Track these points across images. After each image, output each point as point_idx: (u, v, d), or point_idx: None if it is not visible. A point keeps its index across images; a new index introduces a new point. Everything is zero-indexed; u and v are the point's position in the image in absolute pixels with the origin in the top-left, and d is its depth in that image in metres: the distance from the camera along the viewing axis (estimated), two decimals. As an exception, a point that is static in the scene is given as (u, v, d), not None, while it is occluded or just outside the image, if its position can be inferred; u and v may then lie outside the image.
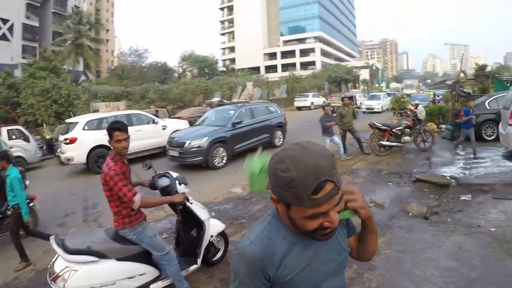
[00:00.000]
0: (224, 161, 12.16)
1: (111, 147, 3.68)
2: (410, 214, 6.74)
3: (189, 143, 11.58)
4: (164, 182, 4.24)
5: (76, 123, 13.18)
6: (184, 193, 4.14)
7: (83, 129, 12.87)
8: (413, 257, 4.98)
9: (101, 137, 11.94)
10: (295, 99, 41.14)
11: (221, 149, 12.14)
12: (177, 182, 4.29)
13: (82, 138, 12.57)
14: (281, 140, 15.09)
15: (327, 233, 1.25)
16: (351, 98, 21.03)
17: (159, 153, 14.43)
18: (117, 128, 3.58)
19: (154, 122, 14.87)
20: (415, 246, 5.35)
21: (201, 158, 11.54)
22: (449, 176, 8.90)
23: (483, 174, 8.89)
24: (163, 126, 15.06)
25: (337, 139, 11.86)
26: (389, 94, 38.31)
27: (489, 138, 12.95)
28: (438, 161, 10.70)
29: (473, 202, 7.28)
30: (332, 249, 1.42)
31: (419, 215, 6.64)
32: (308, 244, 1.34)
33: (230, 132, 12.62)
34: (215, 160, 11.88)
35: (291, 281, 1.31)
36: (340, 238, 1.48)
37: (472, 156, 10.71)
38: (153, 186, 4.23)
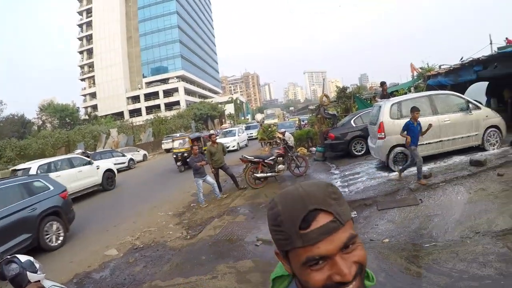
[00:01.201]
0: None
1: None
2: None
3: None
4: (12, 270, 3.21)
5: (29, 168, 13.61)
6: (38, 281, 3.19)
7: (37, 174, 12.77)
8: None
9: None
10: (162, 141, 39.52)
11: None
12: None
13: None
14: (61, 235, 9.19)
15: None
16: (197, 139, 20.28)
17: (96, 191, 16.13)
18: None
19: (90, 163, 16.26)
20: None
21: None
22: (330, 198, 8.70)
23: (362, 189, 9.08)
24: (97, 166, 16.61)
25: (210, 178, 11.28)
26: (248, 127, 38.32)
27: (359, 153, 13.52)
28: (316, 184, 10.51)
29: (360, 218, 7.34)
30: None
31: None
32: None
33: None
34: None
35: None
36: None
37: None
38: (1, 275, 3.21)
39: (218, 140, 27.31)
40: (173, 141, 23.25)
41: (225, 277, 5.68)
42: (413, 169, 9.38)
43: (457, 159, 9.58)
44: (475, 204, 6.92)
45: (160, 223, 9.75)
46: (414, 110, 8.42)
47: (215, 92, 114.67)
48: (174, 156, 19.78)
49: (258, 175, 11.74)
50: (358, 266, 0.88)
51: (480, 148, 10.01)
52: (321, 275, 0.87)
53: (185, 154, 18.55)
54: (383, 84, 14.23)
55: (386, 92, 13.95)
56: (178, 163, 19.55)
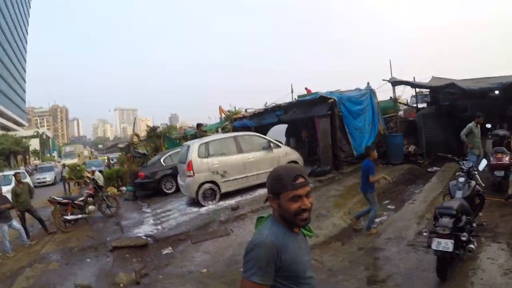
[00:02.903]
0: None
1: None
2: (122, 285, 6.31)
3: None
4: None
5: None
6: None
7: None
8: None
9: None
10: None
11: None
12: None
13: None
14: None
15: (304, 218, 1.84)
16: None
17: None
18: None
19: None
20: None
21: None
22: (144, 236, 8.86)
23: (175, 225, 9.27)
24: None
25: (16, 223, 10.03)
26: (41, 169, 32.90)
27: (170, 191, 13.79)
28: (129, 224, 10.54)
29: (176, 253, 7.53)
30: (306, 248, 2.00)
31: (130, 283, 6.35)
32: (295, 239, 1.90)
33: None
34: None
35: (294, 264, 1.81)
36: (308, 246, 2.08)
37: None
38: None
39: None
40: None
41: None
42: (222, 203, 10.36)
43: (261, 191, 10.62)
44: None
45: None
46: (373, 148, 7.55)
47: (20, 124, 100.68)
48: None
49: (68, 217, 10.96)
50: (311, 204, 1.85)
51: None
52: (296, 205, 1.80)
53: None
54: (200, 125, 14.97)
55: (203, 132, 14.72)
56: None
